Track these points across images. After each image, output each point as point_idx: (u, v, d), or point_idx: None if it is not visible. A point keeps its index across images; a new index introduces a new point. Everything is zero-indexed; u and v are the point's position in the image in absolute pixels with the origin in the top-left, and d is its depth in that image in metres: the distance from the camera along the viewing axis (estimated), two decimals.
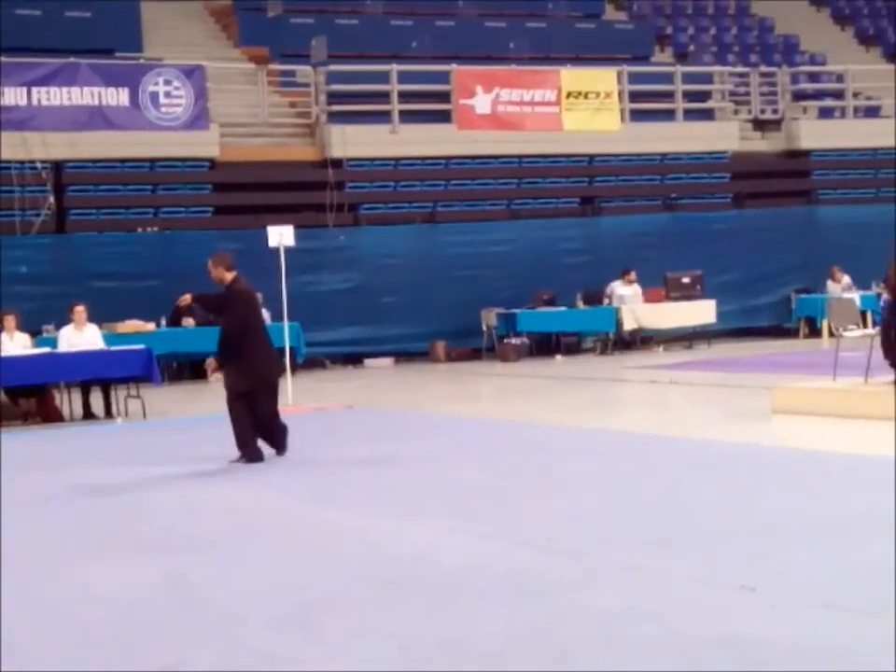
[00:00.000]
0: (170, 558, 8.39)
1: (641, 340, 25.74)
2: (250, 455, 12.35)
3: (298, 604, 7.10)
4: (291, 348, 19.60)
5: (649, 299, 25.32)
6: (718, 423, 14.35)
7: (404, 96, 26.37)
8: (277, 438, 12.71)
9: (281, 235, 18.08)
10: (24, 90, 23.31)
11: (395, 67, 26.42)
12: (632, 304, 24.92)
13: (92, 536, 9.42)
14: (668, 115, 28.57)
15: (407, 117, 26.27)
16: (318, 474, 11.88)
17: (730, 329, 26.77)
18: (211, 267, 12.62)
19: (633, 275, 25.10)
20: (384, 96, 26.34)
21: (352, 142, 25.62)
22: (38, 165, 23.18)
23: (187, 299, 12.96)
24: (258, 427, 12.51)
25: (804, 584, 6.99)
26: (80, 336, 17.80)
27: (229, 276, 12.51)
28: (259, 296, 21.89)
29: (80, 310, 17.97)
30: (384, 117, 26.18)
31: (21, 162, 22.97)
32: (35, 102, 23.39)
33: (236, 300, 12.47)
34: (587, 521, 9.12)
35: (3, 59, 23.51)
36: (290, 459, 12.67)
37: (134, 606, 7.23)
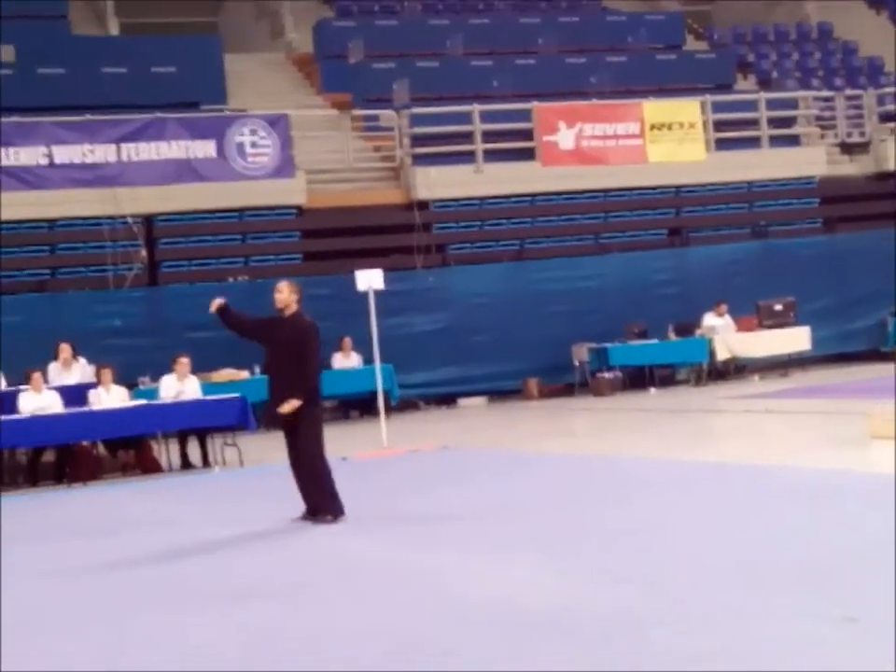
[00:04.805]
0: (266, 605, 8.42)
1: (736, 369, 25.52)
2: (340, 509, 11.75)
3: (394, 646, 7.09)
4: (385, 391, 19.66)
5: (741, 328, 25.12)
6: (815, 450, 14.17)
7: (487, 135, 26.44)
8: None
9: (370, 279, 18.17)
10: (114, 146, 23.69)
11: (477, 107, 26.51)
12: (724, 334, 24.74)
13: (187, 584, 9.48)
14: (754, 142, 28.37)
15: (491, 156, 26.33)
16: (412, 516, 11.88)
17: (826, 356, 26.44)
18: (287, 290, 11.93)
19: (723, 307, 24.94)
20: (467, 136, 26.43)
21: (437, 183, 25.72)
22: (129, 220, 23.49)
23: (221, 303, 12.10)
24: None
25: None
26: (182, 386, 18.03)
27: (295, 307, 11.96)
28: (349, 339, 22.38)
29: (184, 361, 18.22)
30: (468, 157, 26.26)
31: (113, 218, 23.31)
32: (124, 158, 23.75)
33: (313, 336, 11.85)
34: (683, 555, 9.03)
35: (92, 117, 23.92)
36: (385, 502, 12.67)
37: (230, 654, 7.26)
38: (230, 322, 12.18)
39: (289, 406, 11.58)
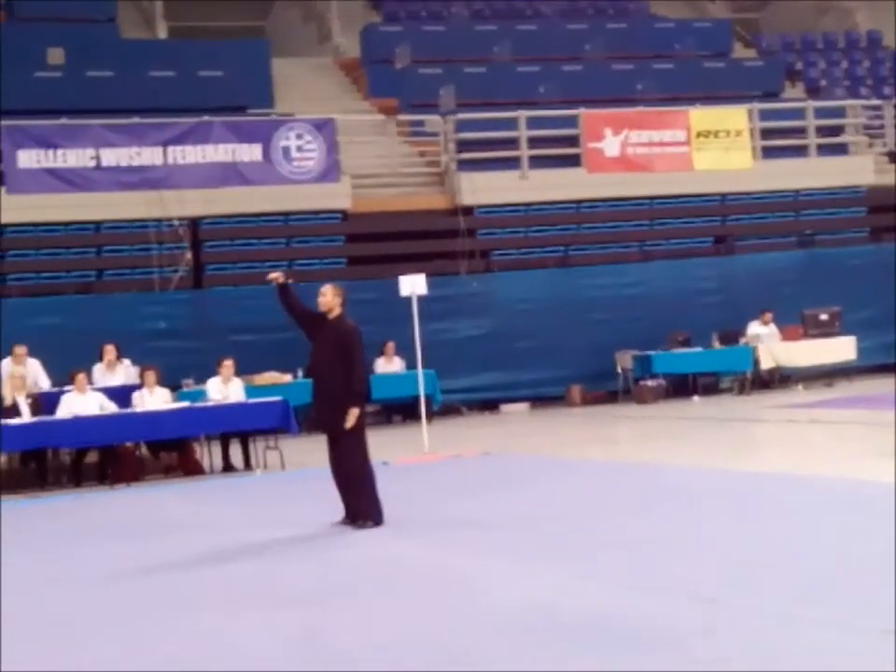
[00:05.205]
0: (307, 610, 8.43)
1: (780, 379, 25.38)
2: (380, 515, 11.76)
3: (432, 653, 7.08)
4: (427, 396, 19.66)
5: (786, 337, 24.99)
6: (859, 461, 14.06)
7: (533, 142, 26.42)
8: None
9: (413, 284, 18.18)
10: (160, 149, 23.81)
11: (523, 113, 26.49)
12: (769, 343, 24.61)
13: (228, 587, 9.50)
14: (801, 151, 28.24)
15: (536, 162, 26.31)
16: (452, 522, 11.86)
17: (871, 366, 26.24)
18: (331, 293, 11.93)
19: (769, 315, 24.83)
20: (512, 142, 26.42)
21: (482, 189, 25.71)
22: (175, 222, 23.59)
23: (279, 277, 12.08)
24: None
25: None
26: (226, 389, 18.11)
27: (338, 311, 11.96)
28: (392, 344, 22.40)
29: (229, 364, 18.30)
30: (513, 163, 26.25)
31: (159, 220, 23.42)
32: (171, 161, 23.86)
33: (356, 340, 11.83)
34: (724, 565, 8.99)
35: (139, 120, 24.05)
36: (426, 507, 12.67)
37: (272, 658, 7.28)
38: (286, 298, 12.06)
39: (353, 418, 11.55)
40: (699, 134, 26.96)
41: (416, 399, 19.30)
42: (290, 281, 12.20)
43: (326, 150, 24.75)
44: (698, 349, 24.64)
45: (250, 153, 24.34)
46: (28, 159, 23.08)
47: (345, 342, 11.76)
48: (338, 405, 11.64)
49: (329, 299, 11.93)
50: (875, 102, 30.16)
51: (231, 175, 24.15)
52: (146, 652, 7.62)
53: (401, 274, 18.66)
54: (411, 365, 20.20)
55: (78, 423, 16.65)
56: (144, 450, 17.71)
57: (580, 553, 9.78)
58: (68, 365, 18.40)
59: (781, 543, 9.65)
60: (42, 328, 21.35)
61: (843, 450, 15.75)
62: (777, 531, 10.21)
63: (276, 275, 12.10)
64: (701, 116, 27.24)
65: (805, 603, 7.57)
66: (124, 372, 19.37)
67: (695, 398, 24.31)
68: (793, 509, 11.26)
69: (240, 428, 17.58)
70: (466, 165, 26.13)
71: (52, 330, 21.36)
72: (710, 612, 7.58)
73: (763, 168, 27.30)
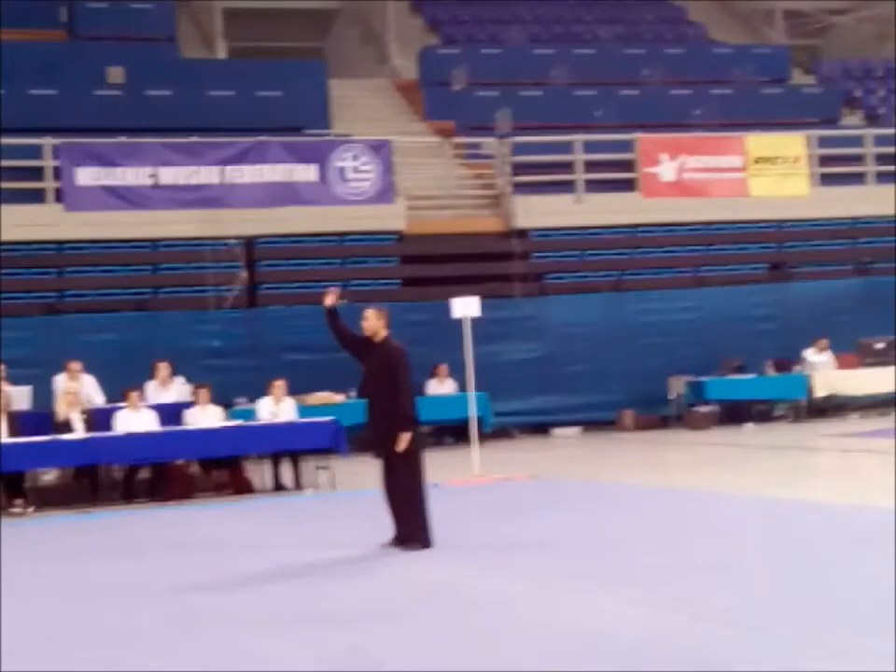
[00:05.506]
0: (351, 631, 8.42)
1: (835, 407, 25.19)
2: (429, 539, 11.71)
3: None
4: (478, 418, 19.64)
5: (842, 365, 24.82)
6: None
7: (589, 165, 26.41)
8: None
9: (466, 306, 18.18)
10: (218, 168, 23.96)
11: (579, 137, 26.50)
12: (824, 371, 24.44)
13: (275, 607, 9.50)
14: (859, 178, 28.08)
15: (592, 186, 26.30)
16: (500, 545, 11.82)
17: None
18: (373, 317, 11.87)
19: (824, 343, 24.67)
20: (568, 166, 26.41)
21: (537, 212, 25.71)
22: (231, 242, 23.71)
23: (331, 297, 12.00)
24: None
25: None
26: (278, 409, 18.16)
27: (384, 333, 11.90)
28: (445, 366, 22.41)
29: (280, 384, 18.37)
30: (568, 186, 26.25)
31: (215, 239, 23.55)
32: (227, 180, 24.01)
33: (403, 362, 11.78)
34: (773, 594, 8.91)
35: (197, 139, 24.22)
36: (474, 530, 12.64)
37: None
38: (334, 323, 12.01)
39: (404, 442, 11.53)
40: (756, 160, 26.87)
41: (467, 421, 19.29)
42: (343, 301, 12.16)
43: (382, 171, 24.82)
44: (752, 376, 24.50)
45: (306, 173, 24.46)
46: (86, 176, 23.28)
47: (391, 364, 11.74)
48: (388, 428, 11.64)
49: (372, 322, 11.90)
50: None
51: (287, 195, 24.27)
52: (185, 669, 7.62)
53: (455, 296, 18.67)
54: (463, 387, 20.19)
55: (131, 439, 16.74)
56: (195, 467, 17.78)
57: (629, 580, 9.72)
58: (122, 381, 18.52)
59: (830, 572, 9.56)
60: (97, 344, 21.54)
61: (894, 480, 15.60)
62: (825, 560, 10.12)
63: (330, 297, 12.02)
64: (758, 142, 27.15)
65: (860, 636, 7.49)
66: (177, 390, 19.46)
67: (748, 425, 24.17)
68: (846, 540, 11.16)
69: (291, 448, 17.61)
70: (521, 188, 26.14)
71: (107, 347, 21.53)
72: (761, 643, 7.51)
73: (819, 195, 27.17)
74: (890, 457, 17.78)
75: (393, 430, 11.58)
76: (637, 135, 26.75)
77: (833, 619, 8.00)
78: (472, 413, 18.85)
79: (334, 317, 12.01)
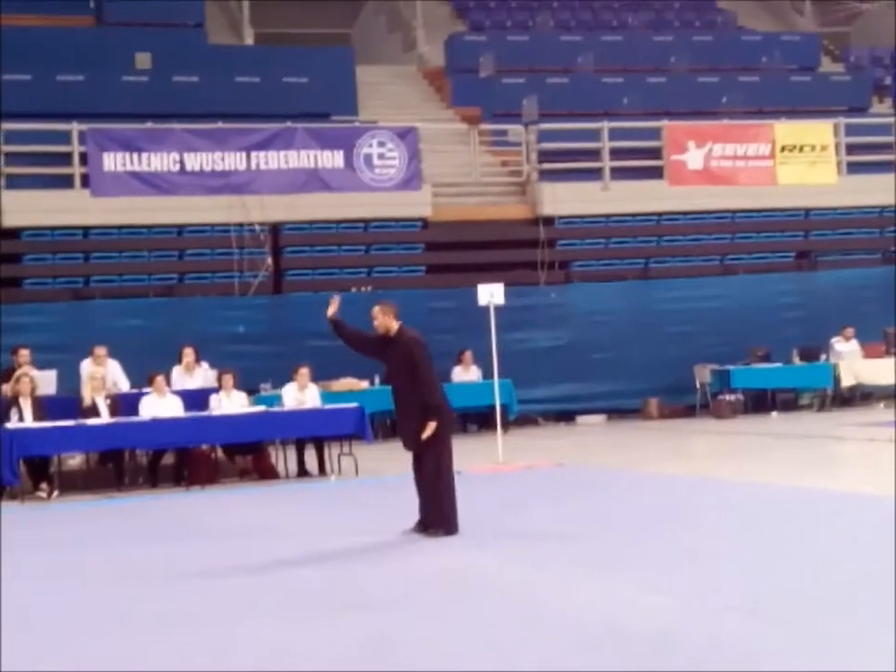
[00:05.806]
0: (374, 616, 8.43)
1: (861, 396, 25.10)
2: (454, 526, 11.74)
3: (503, 665, 7.05)
4: (503, 405, 19.63)
5: (868, 354, 24.69)
6: None
7: (615, 153, 26.32)
8: None
9: (491, 294, 18.16)
10: (244, 154, 23.96)
11: (606, 124, 26.41)
12: (850, 360, 24.35)
13: (298, 593, 9.52)
14: (887, 166, 27.91)
15: (618, 173, 26.21)
16: (523, 533, 11.82)
17: None
18: (379, 314, 11.90)
19: (851, 331, 24.56)
20: (595, 153, 26.35)
21: (563, 199, 25.65)
22: (257, 228, 23.74)
23: (333, 309, 12.02)
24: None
25: None
26: (303, 395, 18.18)
27: (395, 325, 11.93)
28: (469, 353, 22.40)
29: (304, 372, 18.38)
30: (595, 174, 26.18)
31: (241, 225, 23.58)
32: (253, 166, 24.02)
33: (420, 351, 11.79)
34: (796, 585, 8.89)
35: (224, 125, 24.23)
36: (497, 517, 12.63)
37: (337, 663, 7.28)
38: (341, 333, 12.12)
39: (429, 430, 11.59)
40: (784, 149, 26.74)
41: (492, 408, 19.28)
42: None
43: (408, 158, 24.79)
44: (778, 364, 24.42)
45: (332, 160, 24.44)
46: (113, 162, 23.31)
47: (410, 355, 11.78)
48: (414, 419, 11.72)
49: (381, 320, 11.95)
50: None
51: (313, 181, 24.26)
52: (208, 654, 7.65)
53: (480, 283, 18.64)
54: (487, 374, 20.18)
55: (156, 425, 16.79)
56: (220, 453, 17.82)
57: (653, 568, 9.70)
58: (147, 367, 18.56)
59: (853, 563, 9.52)
60: (123, 329, 21.59)
61: None
62: (850, 551, 10.08)
63: (331, 307, 12.06)
64: (786, 130, 27.02)
65: (876, 624, 7.46)
66: (202, 375, 19.48)
67: (774, 413, 24.10)
68: (872, 530, 11.10)
69: (315, 434, 17.64)
70: (547, 175, 26.09)
71: (133, 332, 21.59)
72: (784, 634, 7.49)
73: (847, 183, 27.04)
74: None
75: (419, 420, 11.65)
76: (665, 123, 26.67)
77: (858, 611, 7.97)
78: (497, 400, 18.84)
79: (340, 327, 12.09)
